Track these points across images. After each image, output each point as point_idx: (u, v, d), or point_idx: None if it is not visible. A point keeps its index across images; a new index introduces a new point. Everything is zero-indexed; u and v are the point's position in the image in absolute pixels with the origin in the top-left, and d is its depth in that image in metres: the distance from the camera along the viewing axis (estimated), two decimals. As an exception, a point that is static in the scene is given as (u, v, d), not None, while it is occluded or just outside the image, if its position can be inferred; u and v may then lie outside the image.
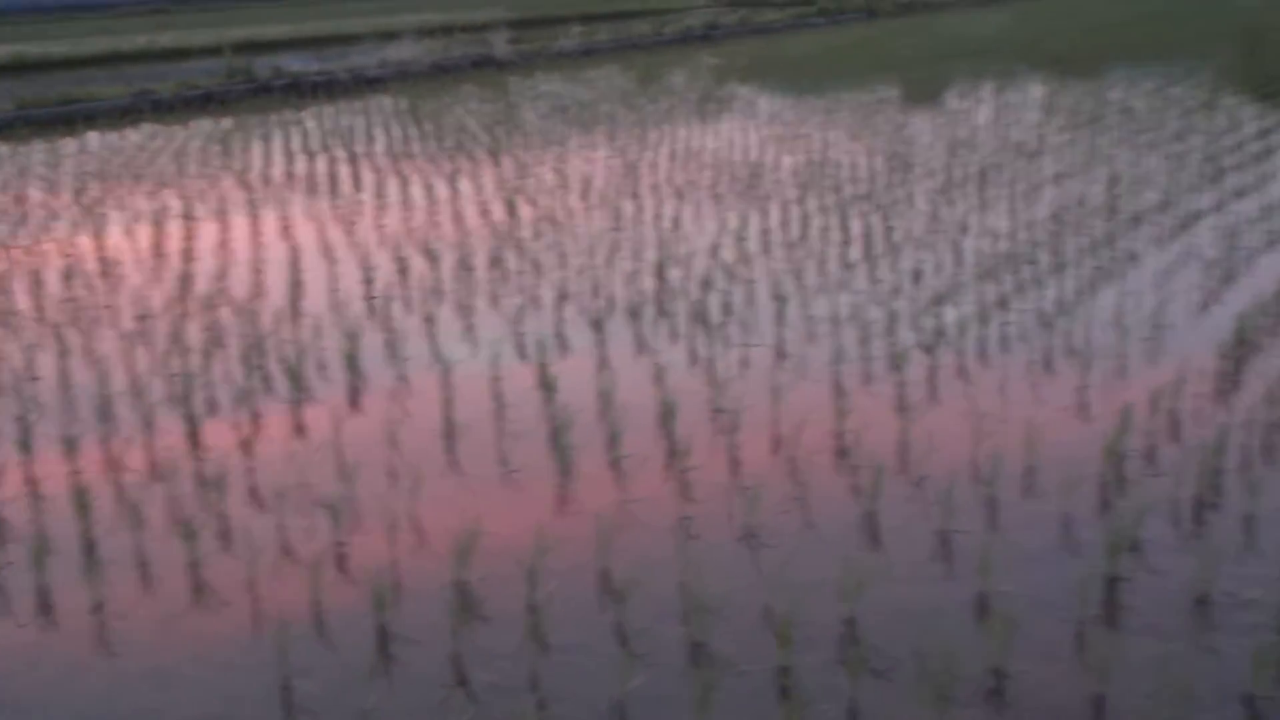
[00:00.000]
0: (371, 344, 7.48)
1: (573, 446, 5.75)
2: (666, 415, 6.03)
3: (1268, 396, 5.93)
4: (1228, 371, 6.34)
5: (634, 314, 7.83)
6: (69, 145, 17.51)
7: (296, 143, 16.35)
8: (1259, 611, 4.10)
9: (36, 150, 16.99)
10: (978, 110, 16.53)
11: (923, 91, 18.69)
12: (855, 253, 9.07)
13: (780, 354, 6.95)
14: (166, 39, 37.08)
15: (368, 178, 13.41)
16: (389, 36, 34.10)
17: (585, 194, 11.81)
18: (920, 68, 21.85)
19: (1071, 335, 7.04)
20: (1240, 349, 6.60)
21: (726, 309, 7.82)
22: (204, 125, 18.94)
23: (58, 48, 35.59)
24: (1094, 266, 8.41)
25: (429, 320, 7.94)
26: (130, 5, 67.72)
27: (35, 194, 13.43)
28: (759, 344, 7.13)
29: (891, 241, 9.34)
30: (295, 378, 6.84)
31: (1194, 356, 6.59)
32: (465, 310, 8.13)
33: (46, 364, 7.41)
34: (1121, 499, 4.98)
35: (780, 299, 7.96)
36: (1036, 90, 18.36)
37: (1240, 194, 10.53)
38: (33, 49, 34.52)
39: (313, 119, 18.92)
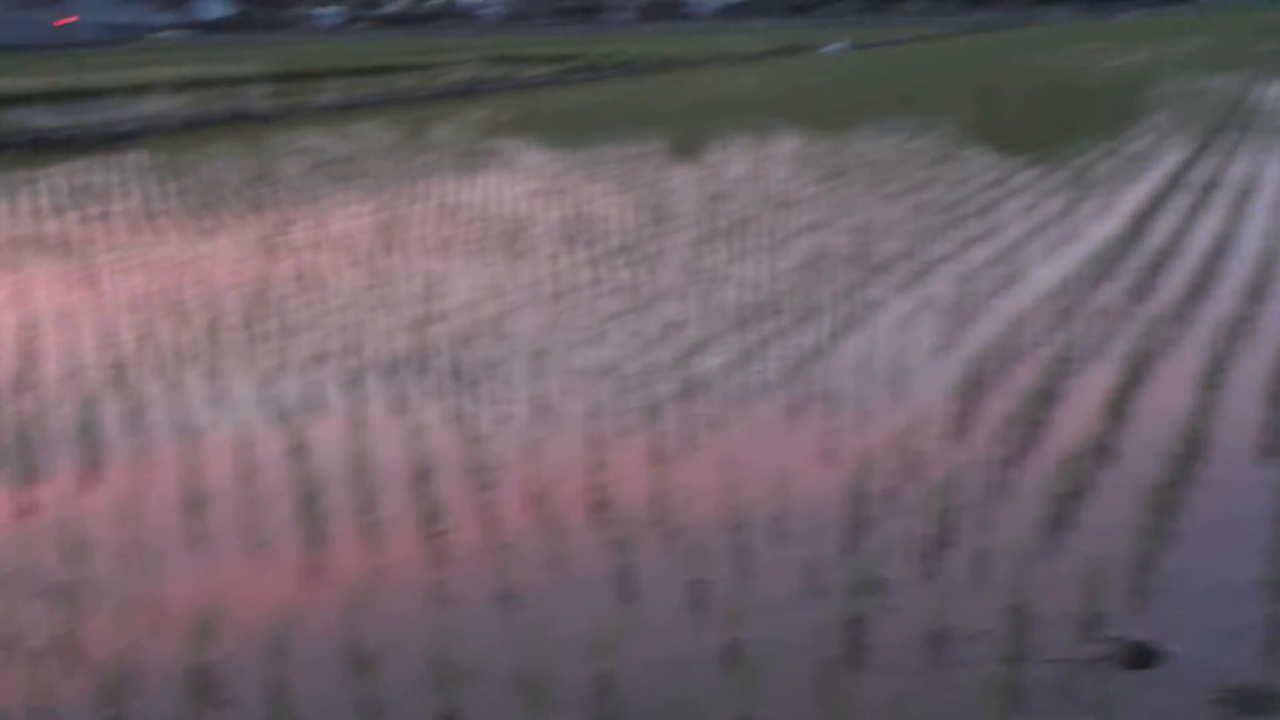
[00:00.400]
0: (111, 413, 7.12)
1: (324, 513, 5.59)
2: (423, 476, 5.94)
3: (998, 436, 6.26)
4: (962, 412, 6.67)
5: (392, 372, 7.71)
6: None
7: (37, 201, 15.55)
8: (988, 643, 4.29)
9: None
10: (733, 164, 17.04)
11: (680, 145, 19.15)
12: (614, 305, 9.19)
13: (539, 409, 6.95)
14: (-108, 93, 34.79)
15: (114, 237, 12.84)
16: (141, 90, 32.92)
17: (344, 250, 11.61)
18: (678, 122, 22.40)
19: (819, 382, 7.28)
20: (974, 390, 6.95)
21: (486, 365, 7.79)
22: (-67, 184, 17.80)
23: None
24: (841, 314, 8.74)
25: (175, 386, 7.62)
26: None
27: None
28: (518, 399, 7.12)
29: (649, 293, 9.50)
30: (24, 453, 6.45)
31: (932, 399, 6.90)
32: (215, 374, 7.84)
33: None
34: (864, 540, 5.16)
35: (540, 353, 7.98)
36: (788, 144, 19.06)
37: (974, 241, 11.15)
38: None
39: (58, 175, 18.04)
